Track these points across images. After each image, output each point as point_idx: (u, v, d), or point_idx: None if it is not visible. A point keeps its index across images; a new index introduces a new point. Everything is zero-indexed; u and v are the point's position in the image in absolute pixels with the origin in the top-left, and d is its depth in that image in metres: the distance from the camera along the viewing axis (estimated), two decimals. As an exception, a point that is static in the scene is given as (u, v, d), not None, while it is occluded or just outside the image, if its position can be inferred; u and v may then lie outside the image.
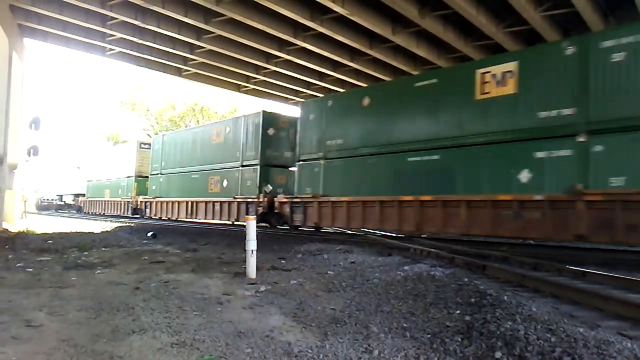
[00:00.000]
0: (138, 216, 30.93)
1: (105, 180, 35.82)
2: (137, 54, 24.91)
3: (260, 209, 20.10)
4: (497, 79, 12.84)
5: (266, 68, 26.06)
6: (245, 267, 8.16)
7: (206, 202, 23.78)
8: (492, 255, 10.44)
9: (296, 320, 5.41)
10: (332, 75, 26.48)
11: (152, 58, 25.28)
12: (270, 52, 23.36)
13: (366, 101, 16.48)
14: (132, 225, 24.65)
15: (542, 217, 11.35)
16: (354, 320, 5.32)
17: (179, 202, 25.94)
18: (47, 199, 50.30)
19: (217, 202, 23.09)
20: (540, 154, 11.76)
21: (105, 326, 5.02)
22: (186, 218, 26.08)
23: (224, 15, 19.30)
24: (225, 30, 20.85)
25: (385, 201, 14.99)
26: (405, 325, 5.12)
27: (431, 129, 14.30)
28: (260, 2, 17.71)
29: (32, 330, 4.88)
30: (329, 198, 16.92)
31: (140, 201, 30.27)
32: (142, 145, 32.10)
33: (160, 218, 28.41)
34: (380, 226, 15.42)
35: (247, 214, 20.28)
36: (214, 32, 21.28)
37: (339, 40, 21.39)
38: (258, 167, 20.92)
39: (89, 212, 38.20)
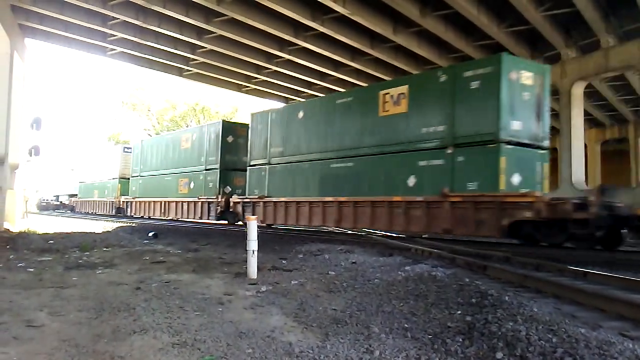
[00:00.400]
0: (121, 215, 32.97)
1: (94, 181, 38.21)
2: (139, 54, 24.95)
3: (219, 208, 22.96)
4: (394, 100, 15.40)
5: (267, 68, 26.09)
6: (246, 268, 8.15)
7: (176, 202, 26.48)
8: (493, 255, 10.42)
9: (297, 320, 5.41)
10: (333, 75, 26.50)
11: (154, 58, 25.32)
12: (272, 52, 23.39)
13: (300, 115, 19.06)
14: (133, 225, 24.66)
15: (421, 214, 14.22)
16: (355, 321, 5.31)
17: (154, 202, 28.63)
18: (46, 200, 51.83)
19: (185, 202, 25.67)
20: (422, 163, 14.48)
21: (107, 326, 5.02)
22: (160, 217, 28.50)
23: (225, 15, 19.32)
24: (226, 30, 20.87)
25: (313, 202, 17.74)
26: (406, 325, 5.11)
27: (347, 140, 16.94)
28: (261, 2, 17.73)
29: (34, 330, 4.87)
30: (272, 199, 19.63)
31: (123, 201, 32.86)
32: (125, 149, 34.38)
33: (142, 217, 30.37)
34: (309, 223, 18.19)
35: (209, 213, 23.95)
36: (215, 32, 21.31)
37: (340, 40, 21.41)
38: (218, 170, 23.45)
39: (81, 212, 40.30)
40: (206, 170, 24.37)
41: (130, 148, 33.66)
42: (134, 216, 30.92)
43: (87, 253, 11.28)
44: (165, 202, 27.51)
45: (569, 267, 8.56)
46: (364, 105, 16.57)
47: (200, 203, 24.41)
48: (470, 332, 4.69)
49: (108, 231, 19.68)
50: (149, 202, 29.29)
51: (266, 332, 4.87)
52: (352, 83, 27.82)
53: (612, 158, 36.53)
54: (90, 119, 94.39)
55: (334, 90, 29.52)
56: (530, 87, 13.52)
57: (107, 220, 28.88)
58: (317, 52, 22.98)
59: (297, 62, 24.66)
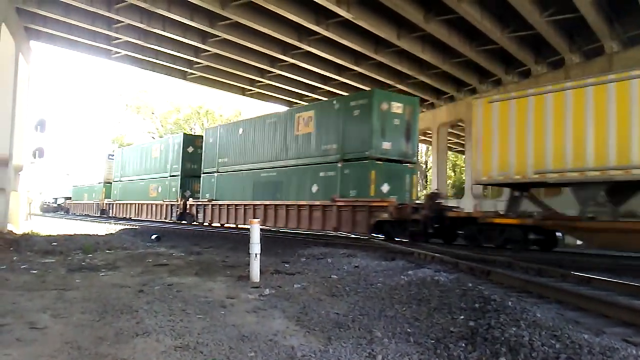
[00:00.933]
0: (105, 216, 36.17)
1: (84, 185, 41.82)
2: (143, 57, 25.02)
3: (179, 210, 26.76)
4: (305, 122, 19.07)
5: (271, 72, 26.12)
6: (248, 271, 8.14)
7: (147, 205, 30.31)
8: (496, 260, 10.41)
9: (300, 324, 5.40)
10: (336, 79, 26.52)
11: (157, 61, 25.38)
12: (275, 55, 23.43)
13: (240, 131, 22.84)
14: (136, 227, 24.71)
15: (319, 215, 17.86)
16: (357, 325, 5.30)
17: (131, 204, 32.41)
18: (48, 202, 54.22)
19: (154, 204, 29.47)
20: (322, 174, 18.08)
21: (109, 329, 5.02)
22: (136, 217, 31.67)
23: (229, 19, 19.37)
24: (230, 34, 20.91)
25: (247, 205, 21.71)
26: (409, 330, 5.10)
27: (272, 153, 20.68)
28: (265, 6, 17.76)
29: (36, 332, 4.88)
30: (218, 202, 23.79)
31: (106, 203, 36.54)
32: (109, 156, 37.49)
33: (124, 217, 33.23)
34: (245, 223, 21.51)
35: (171, 214, 27.76)
36: (219, 36, 21.36)
37: (343, 45, 21.43)
38: (179, 177, 27.10)
39: (75, 213, 43.38)
40: (170, 176, 27.95)
41: (114, 155, 36.89)
42: (116, 217, 33.86)
43: (90, 255, 11.29)
44: (139, 204, 31.31)
45: (572, 272, 8.54)
46: (284, 125, 20.13)
47: (164, 205, 28.23)
48: (473, 337, 4.68)
49: (111, 233, 19.71)
50: (127, 204, 32.93)
51: (268, 336, 4.87)
52: (356, 87, 27.83)
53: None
54: (95, 121, 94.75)
55: (338, 94, 29.53)
56: (400, 115, 17.00)
57: (109, 223, 28.98)
58: (321, 56, 23.01)
59: (300, 66, 24.70)
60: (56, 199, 51.67)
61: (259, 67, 25.76)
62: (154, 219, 29.38)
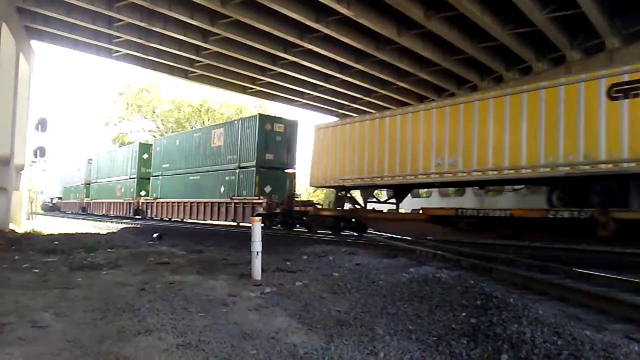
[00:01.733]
0: (85, 213, 41.33)
1: (71, 185, 47.54)
2: (144, 56, 25.01)
3: (134, 207, 32.82)
4: (217, 136, 25.30)
5: (272, 70, 26.10)
6: (250, 269, 8.15)
7: (114, 203, 36.24)
8: (498, 257, 10.40)
9: (301, 322, 5.40)
10: (338, 77, 26.48)
11: (159, 60, 25.36)
12: (276, 53, 23.41)
13: (177, 142, 29.25)
14: (138, 226, 24.77)
15: (224, 210, 23.93)
16: (359, 322, 5.30)
17: (103, 203, 38.28)
18: (46, 201, 57.76)
19: (118, 202, 35.34)
20: (227, 178, 24.10)
21: (111, 327, 5.03)
22: (105, 214, 37.06)
23: (230, 17, 19.35)
24: (231, 32, 20.90)
25: (179, 202, 28.01)
26: (410, 327, 5.10)
27: (196, 161, 26.83)
28: (266, 4, 17.74)
29: (39, 330, 4.89)
30: (161, 200, 29.98)
31: (86, 202, 42.14)
32: (89, 161, 42.70)
33: (101, 214, 37.94)
34: (179, 216, 28.55)
35: (129, 211, 33.36)
36: (220, 34, 21.34)
37: (344, 42, 21.41)
38: (136, 179, 33.28)
39: (64, 212, 47.51)
40: (130, 179, 33.99)
41: (92, 159, 42.06)
42: (93, 214, 39.15)
43: (92, 254, 11.30)
44: (108, 202, 37.15)
45: (574, 269, 8.53)
46: (205, 139, 26.37)
47: (125, 203, 34.13)
48: (475, 334, 4.68)
49: (113, 232, 19.74)
50: (101, 202, 38.72)
51: (270, 334, 4.87)
52: (357, 85, 27.82)
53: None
54: (95, 120, 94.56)
55: (339, 92, 29.54)
56: (282, 133, 22.85)
57: (111, 222, 29.07)
58: (322, 54, 22.98)
59: (301, 64, 24.66)
60: (52, 198, 55.74)
61: (260, 65, 25.73)
62: (119, 215, 34.57)
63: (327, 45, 21.98)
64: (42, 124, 26.95)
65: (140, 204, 32.09)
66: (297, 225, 20.73)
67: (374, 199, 19.05)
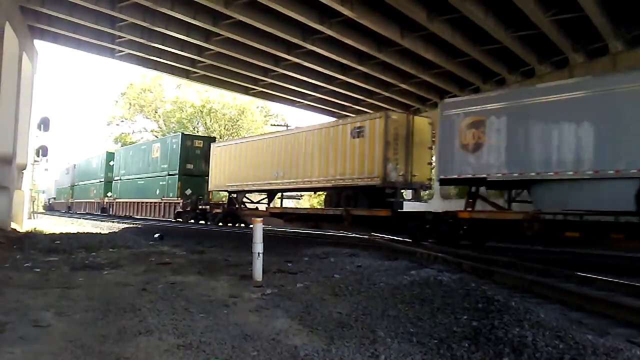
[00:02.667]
0: (70, 211, 47.15)
1: (62, 187, 53.21)
2: (146, 56, 25.04)
3: (101, 206, 39.71)
4: (156, 150, 31.25)
5: (275, 71, 26.09)
6: (251, 270, 8.14)
7: (89, 202, 43.15)
8: (499, 260, 10.39)
9: (302, 323, 5.40)
10: (340, 79, 26.47)
11: (161, 60, 25.39)
12: (279, 55, 23.40)
13: (131, 152, 35.81)
14: (139, 226, 24.78)
15: (158, 208, 29.95)
16: (360, 325, 5.29)
17: (81, 202, 45.28)
18: (46, 201, 62.38)
19: (91, 202, 42.41)
20: (161, 183, 29.88)
21: (112, 327, 5.03)
22: (83, 211, 43.14)
23: (232, 17, 19.35)
24: (234, 33, 20.90)
25: (131, 202, 34.27)
26: (412, 330, 5.09)
27: (142, 169, 33.04)
28: (269, 5, 17.74)
29: (40, 330, 4.89)
30: (118, 200, 36.33)
31: (70, 202, 48.46)
32: (74, 166, 48.45)
33: (82, 212, 43.26)
34: (131, 213, 34.24)
35: (98, 209, 40.24)
36: (222, 35, 21.34)
37: (347, 44, 21.40)
38: (103, 182, 39.55)
39: (58, 210, 52.69)
40: (99, 182, 40.38)
41: (75, 165, 48.70)
42: (76, 212, 44.72)
43: (94, 254, 11.31)
44: (85, 202, 44.16)
45: (576, 273, 8.52)
46: (148, 151, 32.82)
47: (95, 202, 41.21)
48: (476, 338, 4.67)
49: (114, 232, 19.75)
50: (80, 202, 45.44)
51: (271, 335, 4.87)
52: (360, 87, 27.81)
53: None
54: (98, 120, 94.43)
55: (342, 93, 29.53)
56: (201, 148, 29.33)
57: (112, 222, 29.12)
58: (325, 56, 22.97)
59: (304, 65, 24.64)
60: (49, 198, 61.21)
61: (263, 66, 25.72)
62: (92, 213, 40.97)
63: (330, 46, 21.97)
64: (44, 124, 27.03)
65: (105, 203, 38.75)
66: (203, 220, 27.54)
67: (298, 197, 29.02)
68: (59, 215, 41.54)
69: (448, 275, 7.75)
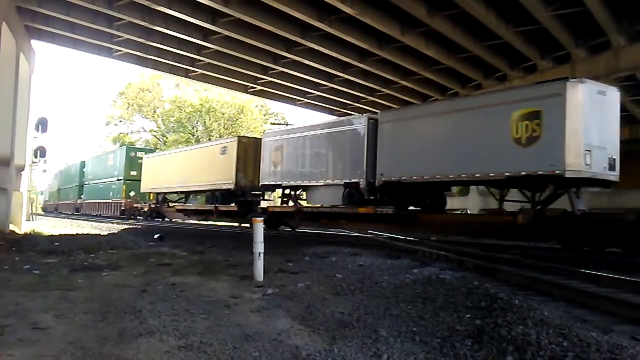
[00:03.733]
0: (55, 211, 52.31)
1: (52, 190, 58.11)
2: (145, 55, 24.98)
3: (75, 206, 45.78)
4: (111, 159, 39.20)
5: (274, 69, 26.04)
6: (252, 270, 8.10)
7: (68, 204, 49.14)
8: (502, 258, 10.35)
9: (304, 323, 5.36)
10: (340, 76, 26.41)
11: (159, 59, 25.33)
12: (278, 52, 23.35)
13: (96, 161, 42.52)
14: (139, 227, 24.78)
15: (112, 208, 37.54)
16: (362, 324, 5.26)
17: (64, 203, 51.00)
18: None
19: (70, 203, 48.16)
20: (113, 186, 37.68)
21: (113, 329, 5.00)
22: (64, 212, 48.80)
23: (231, 15, 19.28)
24: (232, 31, 20.83)
25: (94, 202, 41.31)
26: (414, 329, 5.06)
27: (102, 174, 40.24)
28: (267, 3, 17.67)
29: (39, 332, 4.86)
30: (87, 201, 42.97)
31: (57, 204, 54.12)
32: (60, 171, 54.44)
33: (66, 213, 48.21)
34: (94, 212, 40.41)
35: (73, 209, 46.69)
36: (221, 33, 21.28)
37: (347, 41, 21.33)
38: (78, 186, 45.80)
39: (48, 211, 57.22)
40: (75, 186, 46.36)
41: (61, 170, 55.14)
42: (61, 212, 49.91)
43: (93, 255, 11.28)
44: (66, 203, 50.17)
45: (579, 270, 8.48)
46: (106, 159, 40.28)
47: (71, 204, 47.50)
48: (479, 336, 4.64)
49: (113, 233, 19.74)
50: (63, 203, 51.47)
51: (273, 335, 4.83)
52: (360, 84, 27.76)
53: (623, 159, 36.51)
54: (96, 120, 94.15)
55: (343, 91, 29.47)
56: (140, 158, 35.32)
57: (112, 222, 29.16)
58: (324, 53, 22.90)
59: (304, 63, 24.58)
60: (45, 200, 64.43)
61: (262, 64, 25.65)
62: (67, 212, 46.82)
63: (330, 44, 21.90)
64: (42, 124, 26.98)
65: (78, 203, 45.23)
66: (138, 217, 34.15)
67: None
68: (57, 217, 41.56)
69: (450, 274, 7.72)
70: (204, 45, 23.22)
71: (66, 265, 9.53)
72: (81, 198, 44.47)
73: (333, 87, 28.74)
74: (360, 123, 18.12)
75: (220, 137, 49.79)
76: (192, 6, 19.07)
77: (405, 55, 23.07)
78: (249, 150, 24.02)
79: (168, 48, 23.58)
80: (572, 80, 12.62)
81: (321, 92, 29.90)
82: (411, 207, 17.40)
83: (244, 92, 32.78)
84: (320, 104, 33.36)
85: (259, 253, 7.98)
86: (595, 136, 12.53)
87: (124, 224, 27.98)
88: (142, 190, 34.15)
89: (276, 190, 24.47)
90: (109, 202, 37.81)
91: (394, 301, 6.26)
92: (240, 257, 10.90)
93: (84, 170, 44.67)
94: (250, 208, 23.54)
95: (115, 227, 24.54)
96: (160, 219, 32.34)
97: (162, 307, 5.96)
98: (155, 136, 61.22)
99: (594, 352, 4.07)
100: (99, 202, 40.05)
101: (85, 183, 43.95)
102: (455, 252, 11.16)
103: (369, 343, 4.65)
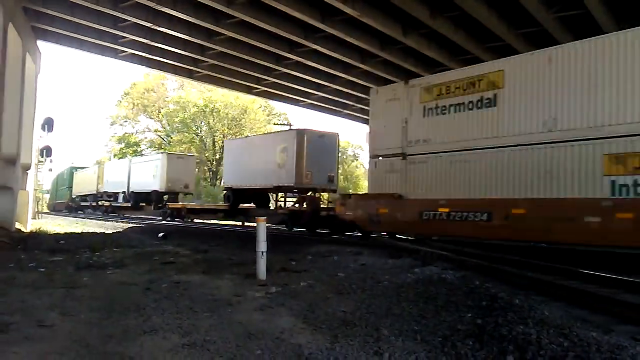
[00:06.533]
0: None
1: (53, 191, 62.75)
2: (149, 56, 25.01)
3: (66, 205, 52.30)
4: (67, 173, 52.54)
5: (277, 70, 26.04)
6: (255, 269, 8.14)
7: (61, 203, 53.89)
8: (503, 258, 10.37)
9: (306, 322, 5.40)
10: (343, 77, 26.41)
11: (164, 60, 25.35)
12: (281, 54, 23.35)
13: (71, 171, 51.26)
14: (143, 225, 24.82)
15: (69, 205, 51.64)
16: (364, 323, 5.29)
17: (59, 203, 55.40)
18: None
19: (62, 202, 53.85)
20: (66, 191, 52.65)
21: (117, 326, 5.05)
22: (58, 209, 54.18)
23: (235, 17, 19.31)
24: (236, 32, 20.85)
25: (61, 202, 54.47)
26: (416, 328, 5.09)
27: (66, 184, 51.96)
28: (271, 4, 17.69)
29: (45, 330, 4.91)
30: (57, 201, 55.37)
31: (54, 203, 58.01)
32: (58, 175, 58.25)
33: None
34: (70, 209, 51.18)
35: (65, 207, 53.22)
36: (225, 34, 21.30)
37: (349, 42, 21.33)
38: (67, 189, 52.18)
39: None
40: (67, 188, 52.09)
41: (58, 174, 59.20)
42: (56, 210, 55.06)
43: (98, 253, 11.33)
44: (61, 202, 54.28)
45: (580, 270, 8.50)
46: (70, 173, 50.97)
47: (64, 203, 53.07)
48: (480, 335, 4.67)
49: (118, 232, 19.80)
50: (59, 203, 55.34)
51: (275, 334, 4.87)
52: (362, 85, 27.75)
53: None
54: (102, 120, 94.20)
55: (345, 92, 29.49)
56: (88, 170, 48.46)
57: (117, 221, 29.17)
58: (327, 54, 22.91)
59: (306, 64, 24.59)
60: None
61: (265, 65, 25.66)
62: (62, 210, 52.58)
63: (332, 45, 21.92)
64: (48, 124, 27.08)
65: (68, 204, 51.99)
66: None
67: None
68: (64, 216, 41.61)
69: (452, 273, 7.74)
70: (208, 46, 23.25)
71: (71, 264, 9.59)
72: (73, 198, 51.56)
73: (336, 89, 28.76)
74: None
75: (224, 137, 50.89)
76: (196, 7, 19.10)
77: (407, 56, 23.07)
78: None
79: (172, 49, 23.61)
80: (299, 129, 22.75)
81: (324, 93, 29.90)
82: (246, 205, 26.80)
83: (247, 93, 32.77)
84: (322, 104, 33.36)
85: (262, 252, 8.02)
86: (315, 162, 21.74)
87: (131, 222, 28.00)
88: (75, 193, 49.62)
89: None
90: (64, 202, 52.48)
91: (395, 300, 6.29)
92: (244, 256, 10.93)
93: (70, 177, 52.41)
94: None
95: (120, 226, 24.58)
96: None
97: (166, 305, 6.01)
98: (159, 136, 61.27)
99: (594, 351, 4.14)
100: (63, 202, 53.38)
101: (59, 189, 54.94)
102: (456, 252, 11.17)
103: (370, 342, 4.68)
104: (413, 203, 14.28)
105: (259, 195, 25.48)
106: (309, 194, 22.64)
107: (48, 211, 53.72)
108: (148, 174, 35.03)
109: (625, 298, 6.24)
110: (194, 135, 57.00)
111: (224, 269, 9.19)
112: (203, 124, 56.70)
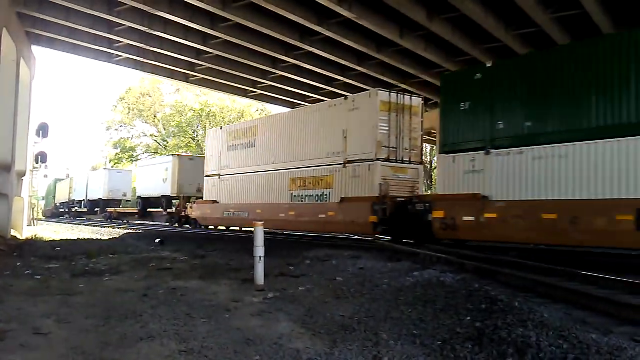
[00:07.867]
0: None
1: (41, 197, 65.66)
2: (144, 60, 24.97)
3: (52, 211, 56.95)
4: (52, 185, 58.61)
5: (273, 73, 26.03)
6: (253, 274, 8.10)
7: (49, 210, 59.00)
8: (502, 260, 10.35)
9: (305, 326, 5.37)
10: (339, 80, 26.42)
11: (159, 64, 25.34)
12: (277, 56, 23.34)
13: (55, 182, 57.71)
14: (140, 231, 24.77)
15: (53, 211, 58.08)
16: (363, 327, 5.27)
17: (47, 210, 59.20)
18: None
19: (48, 209, 58.76)
20: (50, 199, 60.83)
21: (114, 333, 5.01)
22: (46, 216, 56.38)
23: (230, 20, 19.29)
24: (231, 35, 20.83)
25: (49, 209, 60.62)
26: (415, 331, 5.07)
27: (51, 194, 59.47)
28: (266, 7, 17.67)
29: (41, 337, 4.87)
30: (49, 208, 60.53)
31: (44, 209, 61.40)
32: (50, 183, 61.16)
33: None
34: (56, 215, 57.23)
35: (51, 213, 58.31)
36: (220, 37, 21.28)
37: (346, 44, 21.32)
38: (53, 197, 57.80)
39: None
40: (52, 196, 58.13)
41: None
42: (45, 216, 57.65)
43: (94, 260, 11.28)
44: (49, 209, 58.69)
45: (579, 272, 8.48)
46: (53, 186, 57.37)
47: (50, 210, 58.29)
48: (479, 338, 4.65)
49: (115, 238, 19.74)
50: (47, 209, 59.49)
51: (273, 339, 4.84)
52: (359, 87, 27.70)
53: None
54: (97, 125, 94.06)
55: (341, 94, 29.47)
56: (64, 181, 56.11)
57: (113, 227, 29.12)
58: (323, 57, 22.90)
59: (303, 67, 24.58)
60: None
61: (261, 68, 25.64)
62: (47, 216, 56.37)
63: (329, 47, 21.91)
64: (43, 130, 26.98)
65: (52, 210, 56.79)
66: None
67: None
68: (59, 222, 41.49)
69: (451, 276, 7.72)
70: (203, 50, 23.23)
71: (67, 270, 9.55)
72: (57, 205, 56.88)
73: (332, 91, 28.74)
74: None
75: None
76: (190, 10, 19.06)
77: (404, 58, 23.07)
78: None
79: (167, 52, 23.58)
80: (173, 155, 32.99)
81: (320, 95, 29.89)
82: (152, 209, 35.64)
83: (243, 96, 32.76)
84: (319, 107, 33.33)
85: (260, 257, 7.97)
86: (186, 178, 30.48)
87: (129, 228, 27.97)
88: (56, 201, 56.43)
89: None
90: (50, 209, 57.67)
91: (394, 304, 6.27)
92: (241, 261, 10.90)
93: (58, 186, 57.15)
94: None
95: (116, 232, 24.52)
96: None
97: (163, 311, 5.98)
98: (155, 141, 61.21)
99: (593, 353, 4.12)
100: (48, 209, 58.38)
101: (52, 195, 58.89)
102: (455, 255, 11.15)
103: (369, 346, 4.66)
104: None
105: (157, 202, 33.96)
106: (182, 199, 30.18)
107: (44, 218, 53.52)
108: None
109: (624, 299, 6.22)
110: (190, 139, 56.94)
111: (221, 274, 9.16)
112: (199, 127, 56.65)
